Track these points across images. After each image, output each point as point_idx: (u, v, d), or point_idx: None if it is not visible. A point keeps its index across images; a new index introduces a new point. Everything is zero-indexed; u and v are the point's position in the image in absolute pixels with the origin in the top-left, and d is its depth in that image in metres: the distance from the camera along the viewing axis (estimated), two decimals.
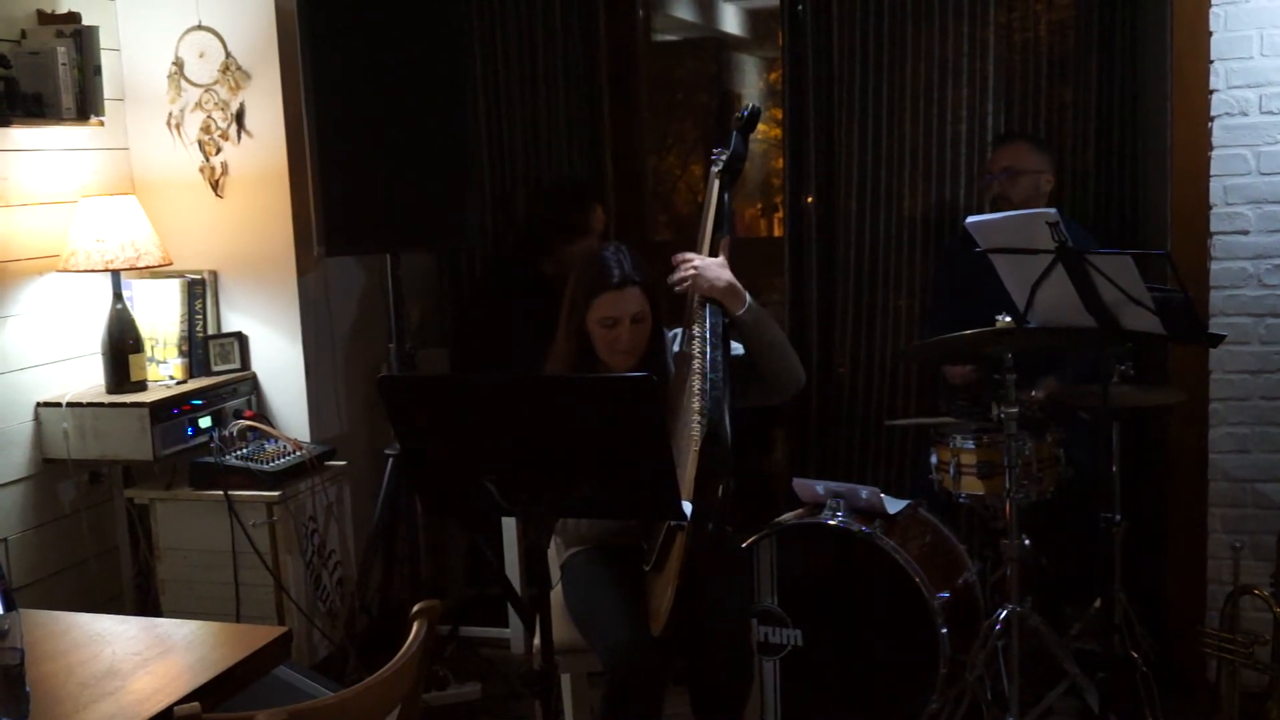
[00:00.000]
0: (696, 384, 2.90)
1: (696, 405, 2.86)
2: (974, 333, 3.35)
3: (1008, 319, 3.32)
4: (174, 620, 2.68)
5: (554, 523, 2.86)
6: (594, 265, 3.07)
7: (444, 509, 3.31)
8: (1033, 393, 3.73)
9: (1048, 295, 3.14)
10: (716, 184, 3.14)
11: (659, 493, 2.54)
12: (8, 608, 1.95)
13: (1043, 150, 4.08)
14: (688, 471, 2.80)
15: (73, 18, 3.77)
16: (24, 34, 3.70)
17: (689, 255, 3.08)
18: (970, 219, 3.25)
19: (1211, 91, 3.67)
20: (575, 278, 3.10)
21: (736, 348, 3.11)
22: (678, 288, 3.07)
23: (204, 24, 4.05)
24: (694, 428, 2.84)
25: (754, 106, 3.19)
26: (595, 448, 2.49)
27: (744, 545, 3.53)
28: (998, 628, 3.43)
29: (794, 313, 4.58)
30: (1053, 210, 3.08)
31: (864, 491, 3.61)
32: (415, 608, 2.18)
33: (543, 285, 4.20)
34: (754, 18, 7.29)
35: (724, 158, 3.14)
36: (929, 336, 3.82)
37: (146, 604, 3.95)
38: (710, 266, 3.04)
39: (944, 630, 3.41)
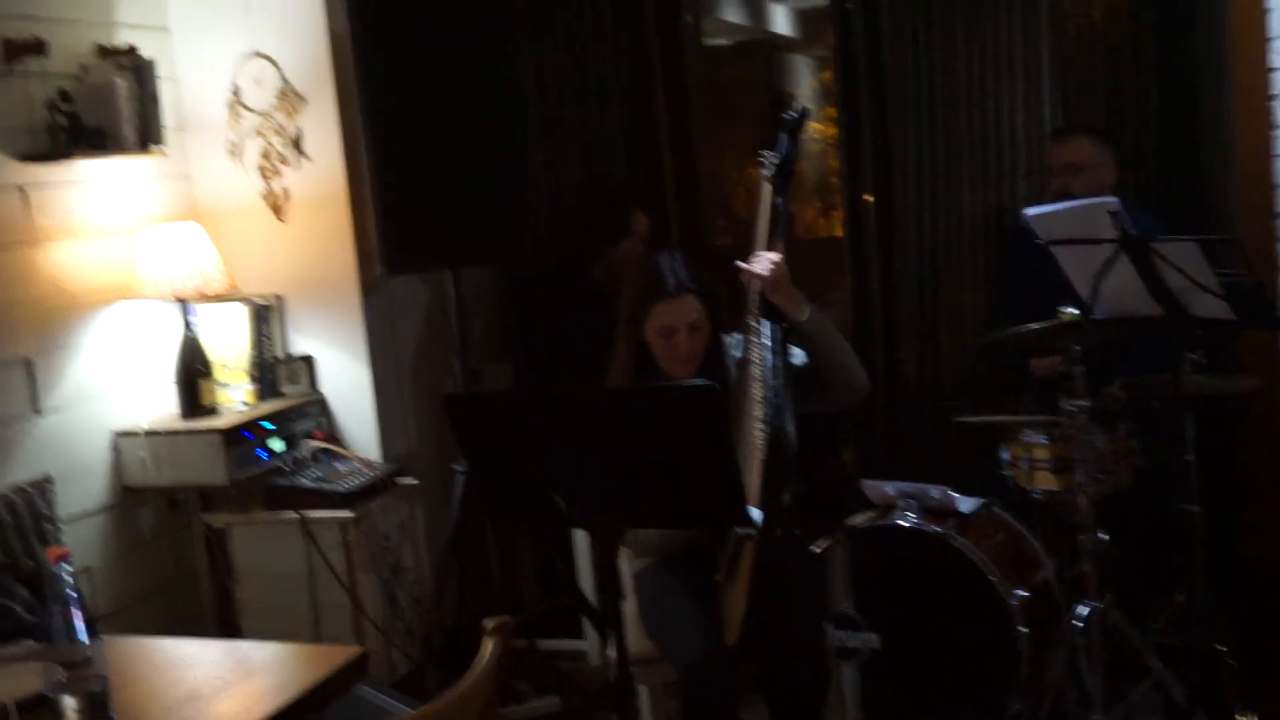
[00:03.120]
0: (758, 391, 2.89)
1: (759, 413, 2.85)
2: (1040, 326, 3.31)
3: (1073, 311, 3.28)
4: (254, 643, 2.71)
5: (623, 534, 2.89)
6: (649, 275, 3.07)
7: (512, 523, 3.33)
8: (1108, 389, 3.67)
9: (1113, 285, 3.10)
10: (768, 188, 3.12)
11: (726, 501, 2.53)
12: (91, 636, 1.99)
13: (1103, 142, 4.03)
14: (753, 478, 2.79)
15: (131, 51, 3.83)
16: (84, 69, 3.77)
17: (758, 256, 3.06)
18: (1029, 211, 3.22)
19: (1271, 70, 3.60)
20: (631, 288, 3.10)
21: (799, 354, 3.10)
22: (743, 277, 3.04)
23: (259, 51, 4.10)
24: (757, 435, 2.83)
25: (802, 107, 3.16)
26: (661, 458, 2.48)
27: (817, 550, 3.51)
28: (1078, 625, 3.38)
29: (857, 312, 4.56)
30: (1114, 199, 3.04)
31: (935, 491, 3.58)
32: (487, 625, 2.19)
33: (594, 292, 4.20)
34: (804, 18, 7.26)
35: (774, 161, 3.12)
36: (996, 331, 3.78)
37: (228, 626, 4.00)
38: (774, 266, 3.01)
39: (1023, 629, 3.38)
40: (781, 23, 7.12)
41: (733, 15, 6.69)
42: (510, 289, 4.70)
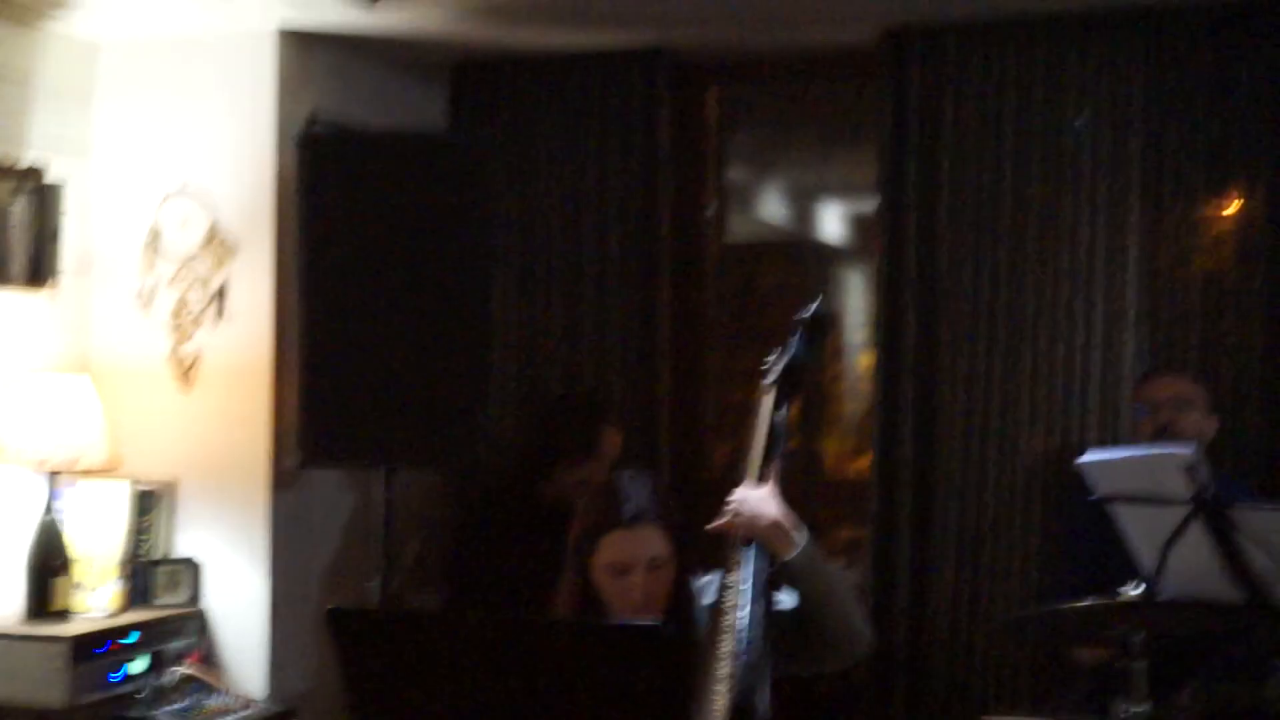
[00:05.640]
0: (726, 644, 2.78)
1: (724, 670, 2.74)
2: (1089, 604, 3.20)
3: (1137, 589, 3.18)
4: None
5: None
6: (603, 497, 2.99)
7: None
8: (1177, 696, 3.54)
9: (1183, 558, 3.01)
10: (768, 400, 3.07)
11: None
12: None
13: (1205, 391, 4.07)
14: None
15: (33, 174, 3.88)
16: None
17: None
18: (1085, 457, 3.16)
19: None
20: (581, 512, 3.02)
21: (788, 600, 3.00)
22: (712, 528, 2.98)
23: (190, 187, 4.15)
24: (719, 698, 2.71)
25: (819, 305, 3.14)
26: (591, 714, 2.39)
27: None
28: None
29: (879, 571, 4.46)
30: (1189, 450, 2.97)
31: None
32: None
33: (539, 516, 4.11)
34: (858, 224, 7.33)
35: (779, 365, 3.08)
36: (1040, 607, 3.68)
37: None
38: (751, 501, 2.95)
39: None
40: (832, 227, 7.18)
41: (770, 213, 6.74)
42: (452, 502, 4.63)
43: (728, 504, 3.00)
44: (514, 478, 4.37)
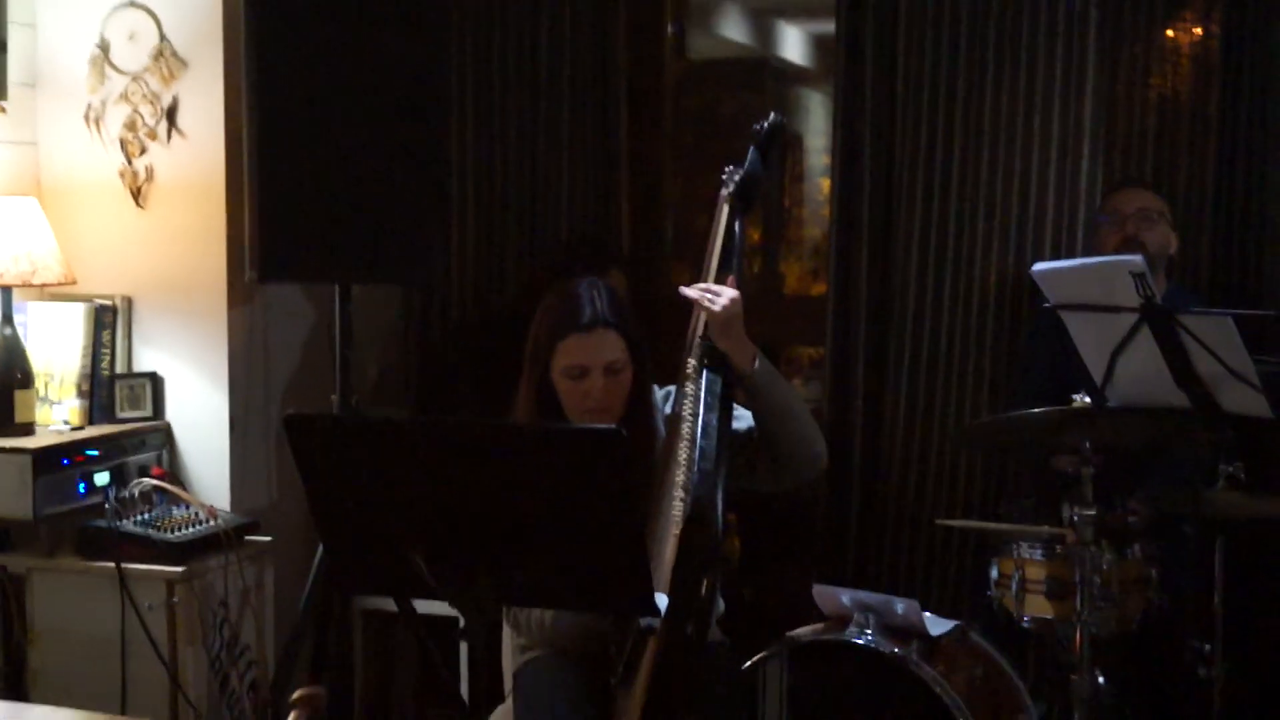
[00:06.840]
0: (683, 452, 2.83)
1: (680, 478, 2.78)
2: (1040, 412, 3.26)
3: (1086, 398, 3.25)
4: (42, 711, 2.60)
5: (495, 611, 2.81)
6: (561, 302, 3.01)
7: (357, 587, 3.25)
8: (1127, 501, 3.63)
9: (1131, 366, 3.08)
10: (725, 209, 3.09)
11: (626, 581, 2.48)
12: None
13: (1169, 207, 4.12)
14: (666, 558, 2.72)
15: None
16: None
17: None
18: (1038, 266, 3.20)
19: None
20: (539, 317, 3.04)
21: (745, 416, 3.04)
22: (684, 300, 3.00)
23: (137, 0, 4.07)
24: (676, 506, 2.76)
25: (776, 118, 3.15)
26: (549, 518, 2.44)
27: (748, 664, 3.43)
28: None
29: (835, 386, 4.52)
30: (1138, 258, 3.01)
31: (900, 605, 3.50)
32: (294, 694, 2.10)
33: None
34: (819, 45, 7.26)
35: (736, 177, 3.09)
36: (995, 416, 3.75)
37: (16, 697, 3.87)
38: (728, 302, 2.96)
39: None
40: (793, 48, 7.13)
41: (731, 31, 6.68)
42: (423, 323, 4.66)
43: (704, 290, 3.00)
44: (507, 309, 4.38)
